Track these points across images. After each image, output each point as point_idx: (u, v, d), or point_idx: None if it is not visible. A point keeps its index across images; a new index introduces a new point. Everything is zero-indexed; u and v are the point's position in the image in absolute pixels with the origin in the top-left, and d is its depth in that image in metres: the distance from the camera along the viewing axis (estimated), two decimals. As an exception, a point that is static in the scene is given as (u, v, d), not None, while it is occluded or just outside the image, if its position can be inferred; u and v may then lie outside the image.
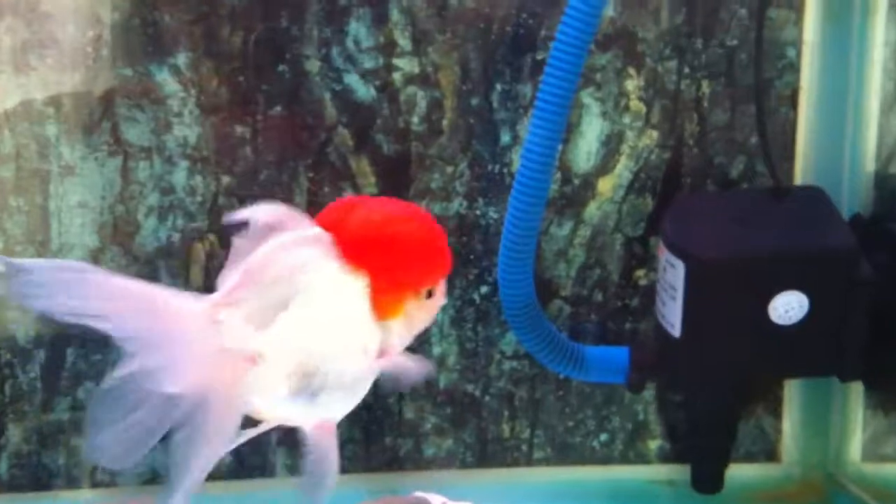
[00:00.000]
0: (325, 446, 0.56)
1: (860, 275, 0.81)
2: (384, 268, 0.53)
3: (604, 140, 0.93)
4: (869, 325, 0.83)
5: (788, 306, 0.80)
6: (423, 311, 0.55)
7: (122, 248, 0.93)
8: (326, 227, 0.53)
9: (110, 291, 0.50)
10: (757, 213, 0.85)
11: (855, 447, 0.98)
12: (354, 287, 0.53)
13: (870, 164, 0.92)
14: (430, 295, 0.55)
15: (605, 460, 1.01)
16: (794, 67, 0.92)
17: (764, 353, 0.83)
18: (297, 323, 0.52)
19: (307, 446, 0.56)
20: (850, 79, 0.90)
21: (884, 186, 0.92)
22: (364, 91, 0.91)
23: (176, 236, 0.93)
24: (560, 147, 0.92)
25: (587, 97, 0.92)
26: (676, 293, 0.82)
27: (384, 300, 0.53)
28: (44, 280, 0.49)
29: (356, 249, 0.52)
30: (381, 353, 0.55)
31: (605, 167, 0.94)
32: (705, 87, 0.93)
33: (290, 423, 0.56)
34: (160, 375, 0.50)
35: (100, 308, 0.49)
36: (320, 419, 0.56)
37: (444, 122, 0.92)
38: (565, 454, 1.01)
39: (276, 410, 0.55)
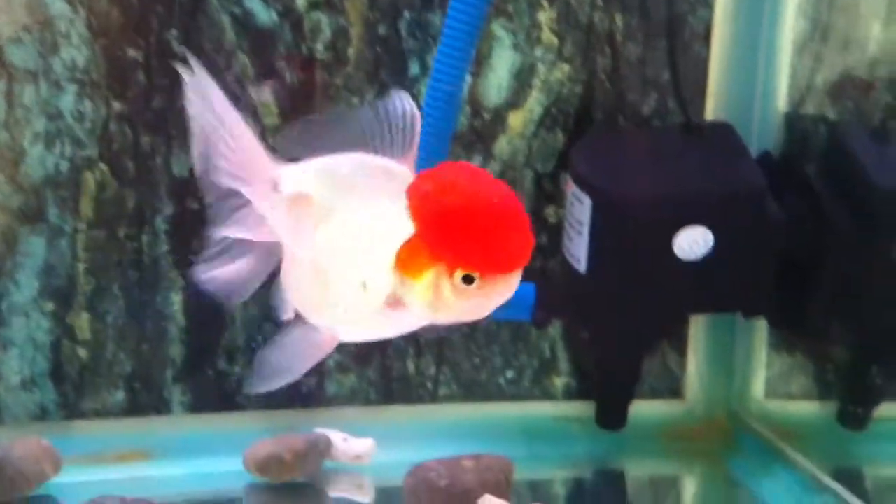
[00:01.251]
0: (314, 348, 0.57)
1: (766, 213, 0.83)
2: (427, 228, 0.51)
3: (515, 73, 0.93)
4: (775, 263, 0.85)
5: (693, 242, 0.82)
6: (457, 297, 0.51)
7: (6, 176, 0.90)
8: (423, 176, 0.53)
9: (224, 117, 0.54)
10: (666, 149, 0.86)
11: (758, 385, 1.02)
12: (396, 229, 0.52)
13: (781, 103, 0.93)
14: (469, 282, 0.51)
15: (512, 397, 1.03)
16: (708, 3, 0.92)
17: (668, 289, 0.85)
18: (335, 225, 0.54)
19: (295, 336, 0.58)
20: (764, 16, 0.91)
21: (794, 125, 0.93)
22: (265, 16, 0.89)
23: (64, 164, 0.91)
24: (469, 79, 0.91)
25: (498, 28, 0.92)
26: (583, 228, 0.83)
27: (411, 257, 0.52)
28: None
29: (417, 201, 0.52)
30: (392, 305, 0.53)
31: (516, 101, 0.94)
32: (619, 20, 0.93)
33: (306, 317, 0.57)
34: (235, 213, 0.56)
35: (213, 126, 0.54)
36: (330, 328, 0.56)
37: (351, 51, 0.91)
38: (471, 391, 1.02)
39: (300, 300, 0.57)
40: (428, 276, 0.51)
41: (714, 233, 0.82)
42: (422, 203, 0.51)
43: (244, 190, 0.54)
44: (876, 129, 0.89)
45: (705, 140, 0.87)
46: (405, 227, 0.51)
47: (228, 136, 0.54)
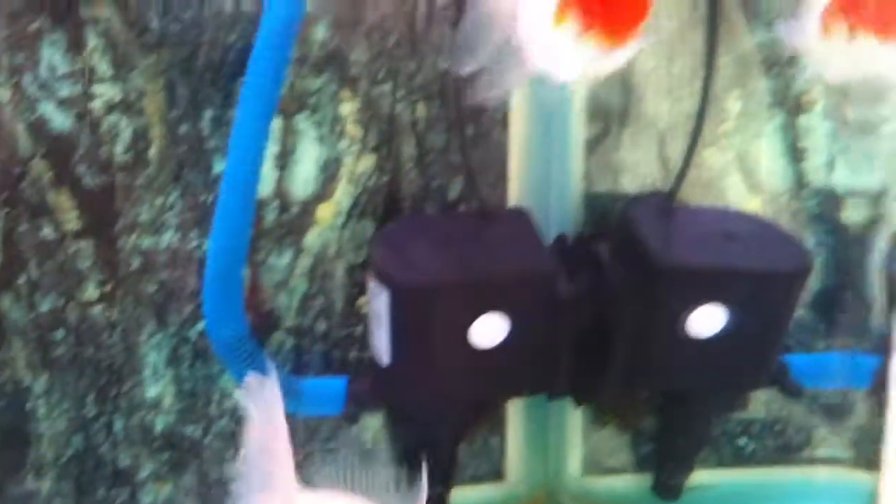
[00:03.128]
0: None
1: (558, 295, 0.89)
2: None
3: (321, 165, 0.98)
4: (571, 343, 0.91)
5: (490, 329, 0.87)
6: None
7: None
8: None
9: None
10: (461, 236, 0.91)
11: (575, 462, 1.08)
12: None
13: (577, 185, 1.01)
14: None
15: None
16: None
17: (469, 377, 0.89)
18: None
19: None
20: (557, 98, 0.98)
21: (591, 206, 1.01)
22: (61, 120, 0.92)
23: None
24: (276, 174, 0.96)
25: (302, 122, 0.96)
26: (382, 321, 0.88)
27: None
28: None
29: None
30: None
31: (323, 193, 0.98)
32: (420, 109, 0.99)
33: None
34: None
35: None
36: None
37: (152, 152, 0.94)
38: (294, 490, 1.04)
39: None
40: None
41: (509, 318, 0.87)
42: None
43: None
44: (661, 206, 0.96)
45: (500, 225, 0.93)
46: None
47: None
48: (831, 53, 0.77)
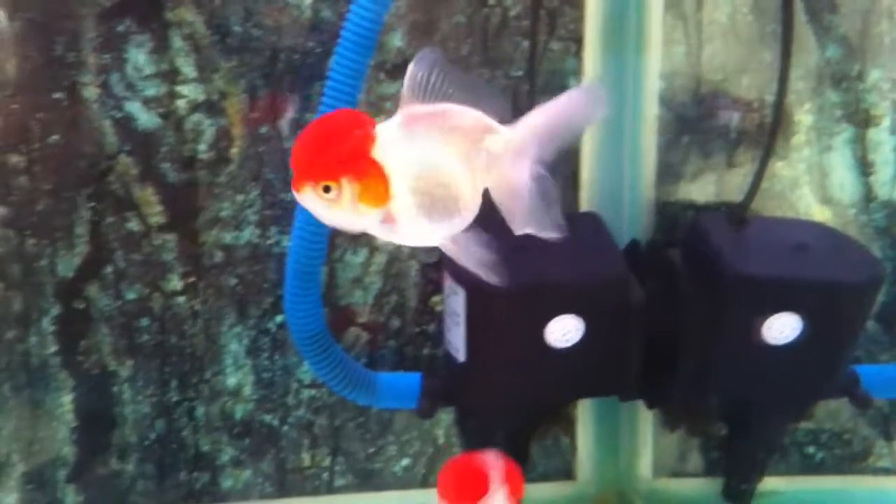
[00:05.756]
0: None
1: (630, 299, 0.85)
2: None
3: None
4: (644, 346, 0.87)
5: (565, 330, 0.84)
6: None
7: None
8: None
9: None
10: (534, 239, 0.88)
11: (645, 464, 1.04)
12: None
13: (649, 192, 0.97)
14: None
15: (406, 485, 1.03)
16: (578, 97, 0.95)
17: (543, 376, 0.87)
18: None
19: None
20: (628, 108, 0.95)
21: (662, 212, 0.97)
22: (146, 118, 0.92)
23: (-49, 270, 0.91)
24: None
25: (380, 125, 0.94)
26: (459, 319, 0.86)
27: None
28: None
29: None
30: None
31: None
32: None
33: None
34: None
35: None
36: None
37: (233, 151, 0.93)
38: (367, 481, 1.03)
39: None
40: None
41: (584, 321, 0.84)
42: None
43: None
44: (731, 213, 0.92)
45: (573, 230, 0.90)
46: None
47: None
48: None
